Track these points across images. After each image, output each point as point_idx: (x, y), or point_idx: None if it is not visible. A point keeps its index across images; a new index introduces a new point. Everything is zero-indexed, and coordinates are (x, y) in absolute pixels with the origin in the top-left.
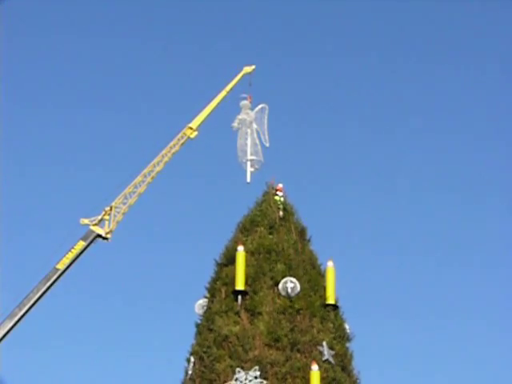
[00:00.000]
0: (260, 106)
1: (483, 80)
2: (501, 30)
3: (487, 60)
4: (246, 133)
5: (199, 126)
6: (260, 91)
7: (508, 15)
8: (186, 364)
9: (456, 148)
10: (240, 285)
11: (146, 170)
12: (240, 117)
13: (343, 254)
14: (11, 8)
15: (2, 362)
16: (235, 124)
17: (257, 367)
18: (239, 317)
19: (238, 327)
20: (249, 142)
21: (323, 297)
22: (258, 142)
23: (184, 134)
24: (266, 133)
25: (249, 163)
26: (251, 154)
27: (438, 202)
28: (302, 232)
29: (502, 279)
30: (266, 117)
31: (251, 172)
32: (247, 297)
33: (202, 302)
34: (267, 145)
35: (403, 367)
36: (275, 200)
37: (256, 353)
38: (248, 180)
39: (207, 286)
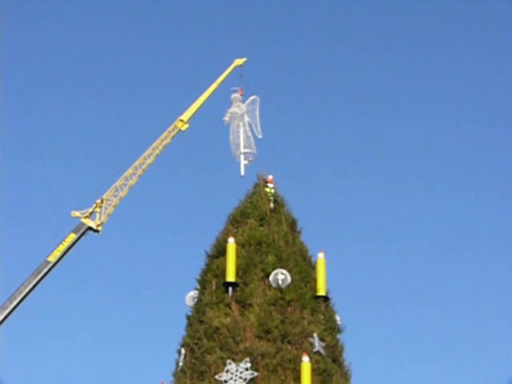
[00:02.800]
0: (251, 98)
1: (482, 78)
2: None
3: (487, 59)
4: (238, 126)
5: (190, 118)
6: (251, 83)
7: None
8: (176, 356)
9: (448, 141)
10: (231, 276)
11: (137, 163)
12: (231, 110)
13: (334, 246)
14: (11, 8)
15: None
16: (226, 118)
17: (247, 359)
18: (230, 308)
19: (228, 319)
20: (241, 134)
21: (314, 288)
22: (250, 134)
23: (175, 126)
24: (259, 124)
25: (242, 156)
26: (244, 147)
27: (429, 194)
28: (292, 224)
29: (497, 273)
30: (257, 108)
31: (245, 165)
32: (238, 288)
33: (193, 293)
34: (260, 136)
35: (394, 358)
36: (266, 192)
37: (247, 344)
38: (242, 173)
39: (198, 277)
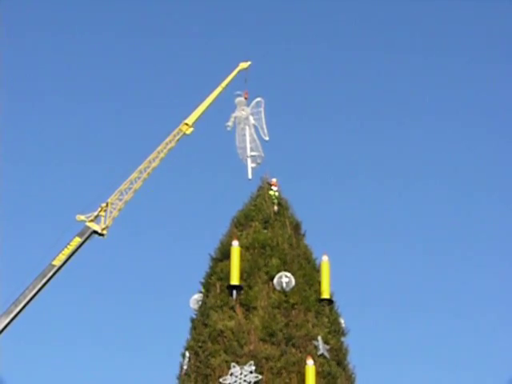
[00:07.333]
0: (256, 100)
1: (482, 78)
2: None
3: (487, 59)
4: (244, 129)
5: (195, 122)
6: (256, 87)
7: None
8: (181, 359)
9: (452, 143)
10: (235, 280)
11: (141, 166)
12: (234, 114)
13: (338, 249)
14: (11, 8)
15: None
16: (229, 123)
17: (252, 362)
18: (234, 311)
19: (233, 322)
20: (247, 138)
21: (318, 291)
22: (256, 137)
23: (180, 130)
24: (265, 126)
25: (249, 159)
26: (251, 150)
27: (433, 197)
28: (296, 226)
29: (498, 274)
30: (262, 110)
31: (252, 168)
32: (242, 291)
33: (197, 296)
34: (266, 138)
35: (398, 361)
36: (270, 195)
37: (251, 347)
38: (249, 176)
39: (202, 280)
